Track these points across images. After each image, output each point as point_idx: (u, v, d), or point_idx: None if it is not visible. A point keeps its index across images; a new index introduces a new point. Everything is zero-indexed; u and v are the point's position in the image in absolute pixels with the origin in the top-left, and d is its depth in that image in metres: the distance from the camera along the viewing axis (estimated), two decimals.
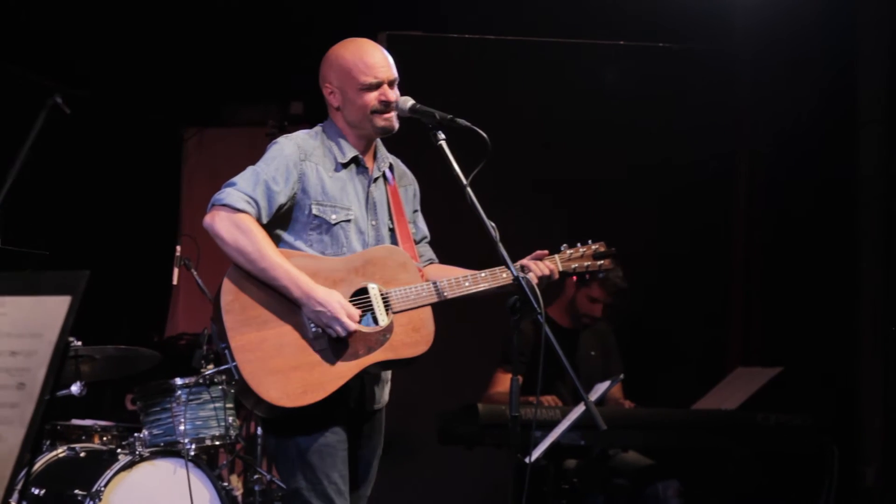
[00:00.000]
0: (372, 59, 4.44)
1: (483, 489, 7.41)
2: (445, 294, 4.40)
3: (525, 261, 4.50)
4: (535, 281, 4.42)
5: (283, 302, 4.24)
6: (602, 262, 4.66)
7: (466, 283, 4.43)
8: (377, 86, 4.41)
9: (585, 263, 4.63)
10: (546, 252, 4.57)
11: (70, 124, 8.63)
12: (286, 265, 4.21)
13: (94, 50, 8.56)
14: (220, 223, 4.21)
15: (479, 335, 7.07)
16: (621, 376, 5.99)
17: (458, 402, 6.54)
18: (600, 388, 5.75)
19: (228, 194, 4.24)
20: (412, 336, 4.38)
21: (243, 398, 4.32)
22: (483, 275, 4.44)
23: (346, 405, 4.36)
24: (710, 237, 8.25)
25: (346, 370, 4.26)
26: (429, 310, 4.41)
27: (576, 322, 7.10)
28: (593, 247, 4.66)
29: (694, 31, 8.13)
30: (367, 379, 4.40)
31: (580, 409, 5.26)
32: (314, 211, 4.36)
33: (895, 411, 7.69)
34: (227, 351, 4.19)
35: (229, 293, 4.22)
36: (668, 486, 6.85)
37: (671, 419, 6.64)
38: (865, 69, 7.83)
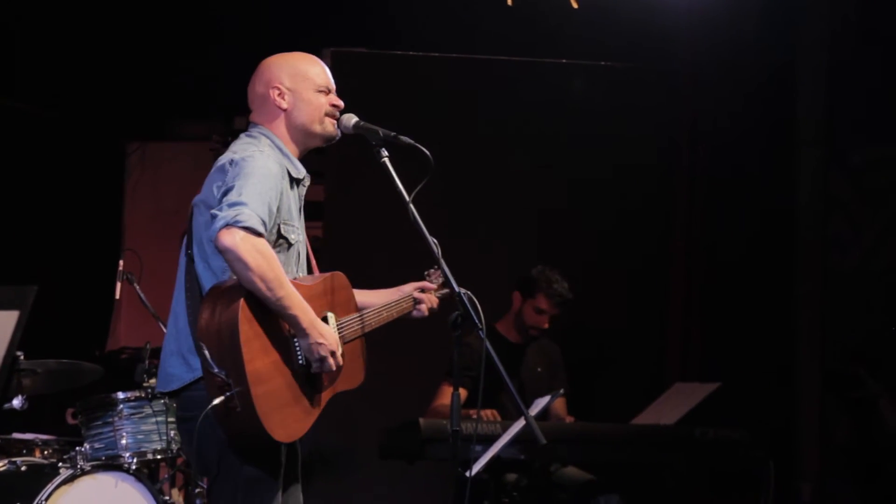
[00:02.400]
0: (322, 68, 4.48)
1: (425, 502, 7.45)
2: (372, 323, 4.47)
3: (416, 294, 4.62)
4: (425, 313, 4.60)
5: (278, 333, 4.14)
6: (446, 289, 4.62)
7: (384, 314, 4.53)
8: (329, 91, 4.44)
9: (444, 291, 4.69)
10: (426, 283, 4.66)
11: (12, 138, 8.62)
12: (298, 295, 4.12)
13: (38, 64, 8.54)
14: (243, 246, 4.00)
15: (421, 351, 7.10)
16: (561, 391, 6.05)
17: (400, 417, 6.57)
18: (540, 403, 5.79)
19: (248, 216, 4.03)
20: (356, 365, 4.40)
21: (239, 428, 4.09)
22: (393, 305, 4.56)
23: None
24: (650, 254, 8.33)
25: (320, 402, 4.25)
26: (364, 339, 4.45)
27: (524, 336, 7.14)
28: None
29: (636, 50, 8.22)
30: None
31: (520, 423, 5.29)
32: (282, 231, 4.26)
33: (832, 428, 7.80)
34: (230, 379, 4.00)
35: (246, 321, 4.04)
36: (610, 500, 6.90)
37: (610, 434, 6.68)
38: (803, 92, 7.97)
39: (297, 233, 4.35)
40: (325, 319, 4.27)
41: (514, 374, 6.98)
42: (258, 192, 4.12)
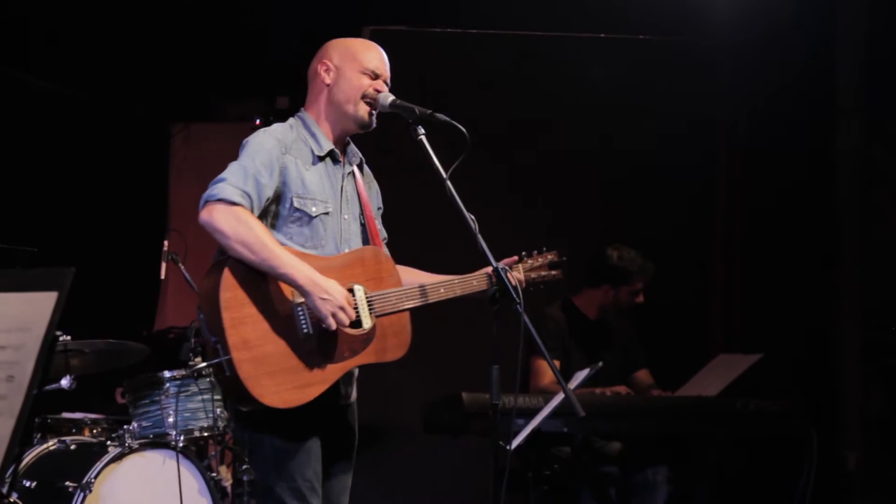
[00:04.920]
0: (378, 53, 4.56)
1: (468, 476, 7.47)
2: (426, 299, 4.47)
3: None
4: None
5: (277, 302, 4.22)
6: (555, 271, 4.74)
7: (442, 290, 4.50)
8: (375, 77, 4.50)
9: (542, 273, 4.71)
10: (515, 259, 4.65)
11: (58, 121, 8.71)
12: (289, 254, 4.20)
13: (83, 47, 8.60)
14: (218, 217, 4.17)
15: (466, 326, 7.13)
16: (600, 364, 6.05)
17: (444, 391, 6.61)
18: (580, 376, 5.81)
19: (222, 189, 4.20)
20: (392, 340, 4.42)
21: (232, 393, 4.27)
22: (457, 282, 4.54)
23: (319, 403, 4.31)
24: (691, 225, 8.32)
25: (331, 373, 4.28)
26: (408, 315, 4.46)
27: (603, 313, 7.23)
28: (549, 256, 4.75)
29: (673, 22, 8.20)
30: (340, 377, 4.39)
31: (560, 396, 5.33)
32: (295, 204, 4.35)
33: (866, 398, 7.77)
34: (219, 346, 4.13)
35: (229, 289, 4.15)
36: (658, 472, 6.92)
37: (653, 406, 6.70)
38: (842, 61, 7.92)
39: (323, 206, 4.40)
40: (349, 291, 4.31)
41: (594, 350, 7.02)
42: (241, 167, 4.27)
